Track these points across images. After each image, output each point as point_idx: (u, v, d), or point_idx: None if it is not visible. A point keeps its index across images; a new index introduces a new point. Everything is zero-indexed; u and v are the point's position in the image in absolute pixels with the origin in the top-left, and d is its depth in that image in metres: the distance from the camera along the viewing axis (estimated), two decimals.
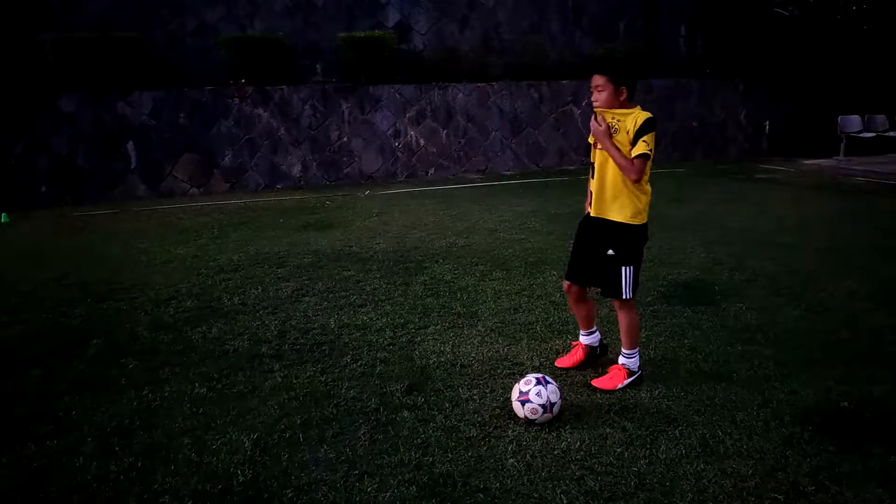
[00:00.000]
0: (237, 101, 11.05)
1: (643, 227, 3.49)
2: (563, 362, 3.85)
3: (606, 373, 3.63)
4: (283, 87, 11.34)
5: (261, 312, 4.86)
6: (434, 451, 2.96)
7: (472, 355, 4.03)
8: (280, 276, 5.81)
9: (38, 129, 10.01)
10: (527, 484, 2.71)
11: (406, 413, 3.32)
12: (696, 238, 6.89)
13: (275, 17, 12.45)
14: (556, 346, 4.13)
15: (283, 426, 3.20)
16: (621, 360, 3.60)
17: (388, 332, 4.42)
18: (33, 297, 5.38)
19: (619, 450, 2.95)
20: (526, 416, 3.14)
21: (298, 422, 3.24)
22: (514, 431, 3.12)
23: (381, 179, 11.79)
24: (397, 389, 3.58)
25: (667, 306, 4.83)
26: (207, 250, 6.81)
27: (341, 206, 9.33)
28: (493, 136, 12.65)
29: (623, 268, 3.46)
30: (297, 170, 11.39)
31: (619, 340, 3.68)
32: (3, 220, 8.56)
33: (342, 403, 3.43)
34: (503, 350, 4.11)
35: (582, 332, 3.84)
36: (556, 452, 2.94)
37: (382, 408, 3.38)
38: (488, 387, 3.60)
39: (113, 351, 4.22)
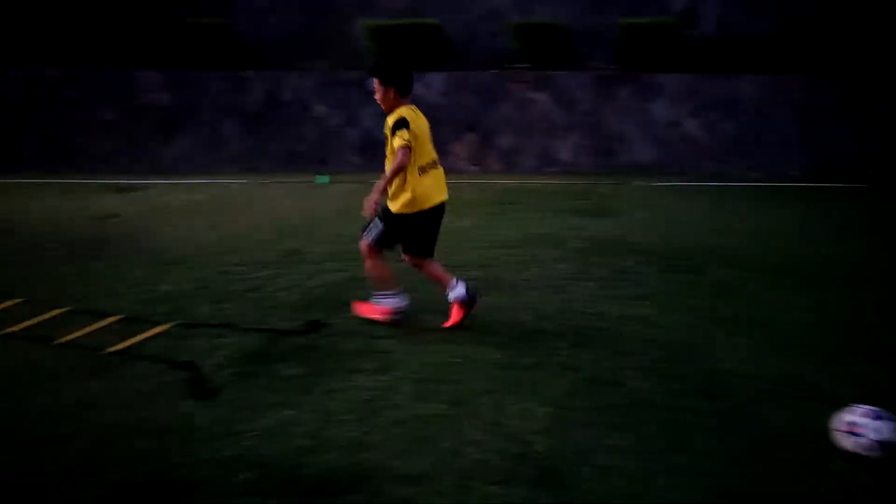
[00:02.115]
0: (518, 85, 11.49)
1: (405, 216, 4.10)
2: (448, 324, 4.25)
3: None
4: (562, 72, 11.53)
5: (542, 290, 5.08)
6: (728, 462, 2.87)
7: (767, 369, 3.80)
8: (557, 257, 6.00)
9: (352, 105, 11.43)
10: None
11: (696, 418, 3.25)
12: None
13: (558, 2, 12.64)
14: (867, 373, 3.72)
15: (573, 404, 3.34)
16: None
17: (672, 330, 4.35)
18: (350, 250, 6.21)
19: None
20: (856, 451, 2.81)
21: (588, 404, 3.35)
22: (836, 465, 2.80)
23: (654, 170, 11.47)
24: (686, 391, 3.52)
25: None
26: (489, 225, 7.26)
27: (613, 195, 9.29)
28: (781, 134, 11.56)
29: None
30: (569, 155, 11.55)
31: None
32: (322, 181, 9.98)
33: (629, 394, 3.47)
34: (801, 368, 3.81)
35: (446, 290, 4.26)
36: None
37: (672, 407, 3.35)
38: (791, 407, 3.36)
39: (415, 306, 4.72)
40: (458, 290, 4.24)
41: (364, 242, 4.25)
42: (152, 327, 4.31)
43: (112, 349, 3.96)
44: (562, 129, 11.52)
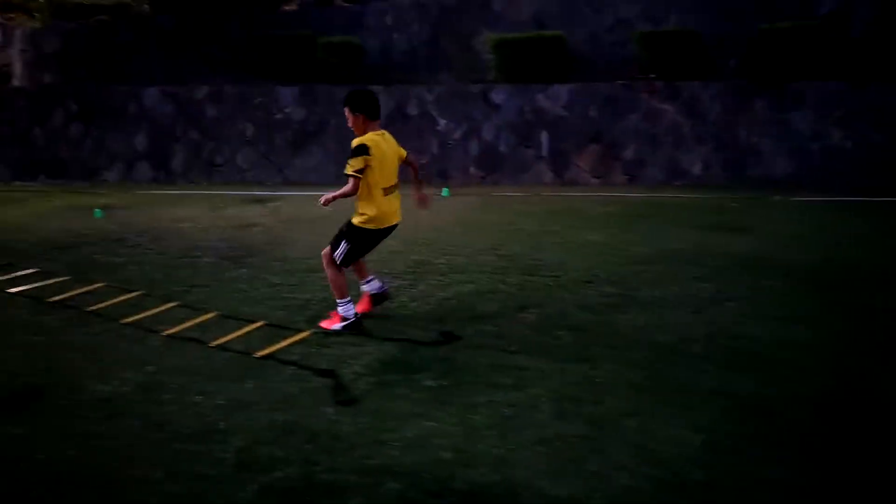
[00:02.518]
0: (646, 95, 11.14)
1: (362, 230, 4.46)
2: (358, 308, 4.64)
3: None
4: (693, 82, 11.06)
5: (683, 309, 4.84)
6: None
7: None
8: (696, 275, 5.70)
9: (473, 118, 11.53)
10: None
11: (862, 456, 2.96)
12: None
13: (689, 10, 12.15)
14: None
15: (727, 433, 3.13)
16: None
17: (828, 356, 4.00)
18: (475, 262, 6.23)
19: None
20: None
21: (744, 433, 3.13)
22: None
23: (791, 184, 10.72)
24: (849, 426, 3.21)
25: None
26: (617, 240, 7.04)
27: (747, 210, 8.77)
28: None
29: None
30: (697, 167, 11.05)
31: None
32: (445, 194, 10.10)
33: (787, 425, 3.21)
34: None
35: (361, 281, 4.76)
36: None
37: (835, 443, 3.06)
38: None
39: (547, 322, 4.64)
40: (373, 284, 4.78)
41: (326, 253, 4.57)
42: (293, 334, 4.48)
43: (260, 354, 4.14)
44: (691, 141, 11.04)
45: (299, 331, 4.54)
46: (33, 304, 5.23)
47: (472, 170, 11.57)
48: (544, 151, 11.37)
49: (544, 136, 11.36)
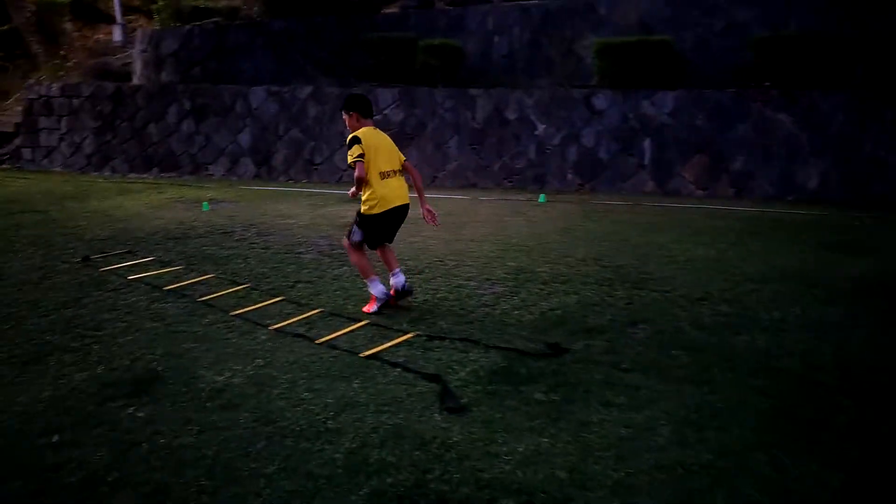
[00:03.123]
0: (759, 104, 10.57)
1: (369, 216, 4.80)
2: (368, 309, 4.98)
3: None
4: (813, 90, 10.40)
5: (806, 334, 4.50)
6: None
7: None
8: (818, 297, 5.31)
9: (574, 123, 11.30)
10: None
11: None
12: None
13: (812, 13, 11.45)
14: None
15: (871, 476, 2.85)
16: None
17: None
18: (579, 272, 6.05)
19: None
20: None
21: (893, 478, 2.84)
22: None
23: None
24: None
25: None
26: (728, 256, 6.67)
27: (874, 229, 8.14)
28: None
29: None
30: (814, 182, 10.38)
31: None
32: (541, 200, 9.94)
33: None
34: None
35: (390, 273, 5.07)
36: None
37: None
38: None
39: (660, 339, 4.41)
40: (398, 279, 5.01)
41: (346, 241, 5.05)
42: (397, 335, 4.47)
43: (365, 353, 4.14)
44: (808, 154, 10.37)
45: (403, 332, 4.52)
46: (151, 292, 5.47)
47: (569, 176, 11.34)
48: (647, 160, 10.99)
49: (647, 144, 10.98)
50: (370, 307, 4.93)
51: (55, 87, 14.83)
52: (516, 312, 4.99)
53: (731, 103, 10.67)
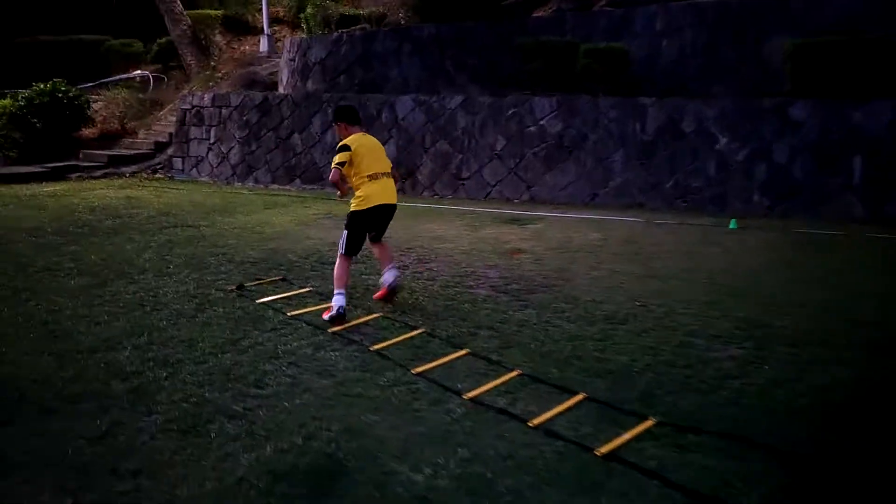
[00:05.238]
0: None
1: (355, 212, 5.18)
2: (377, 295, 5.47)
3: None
4: None
5: None
6: None
7: None
8: None
9: (763, 136, 9.78)
10: None
11: None
12: None
13: None
14: None
15: None
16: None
17: None
18: (832, 330, 4.72)
19: None
20: None
21: None
22: None
23: None
24: None
25: None
26: None
27: None
28: None
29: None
30: None
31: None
32: (732, 226, 8.56)
33: None
34: None
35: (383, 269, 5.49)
36: None
37: None
38: None
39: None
40: (389, 275, 5.36)
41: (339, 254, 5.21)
42: (630, 421, 3.41)
43: (602, 450, 3.11)
44: None
45: (636, 415, 3.47)
46: (313, 334, 4.73)
47: (755, 197, 9.81)
48: (856, 179, 9.28)
49: (857, 162, 9.27)
50: (327, 314, 4.96)
51: (206, 97, 15.00)
52: (779, 392, 3.79)
53: None
